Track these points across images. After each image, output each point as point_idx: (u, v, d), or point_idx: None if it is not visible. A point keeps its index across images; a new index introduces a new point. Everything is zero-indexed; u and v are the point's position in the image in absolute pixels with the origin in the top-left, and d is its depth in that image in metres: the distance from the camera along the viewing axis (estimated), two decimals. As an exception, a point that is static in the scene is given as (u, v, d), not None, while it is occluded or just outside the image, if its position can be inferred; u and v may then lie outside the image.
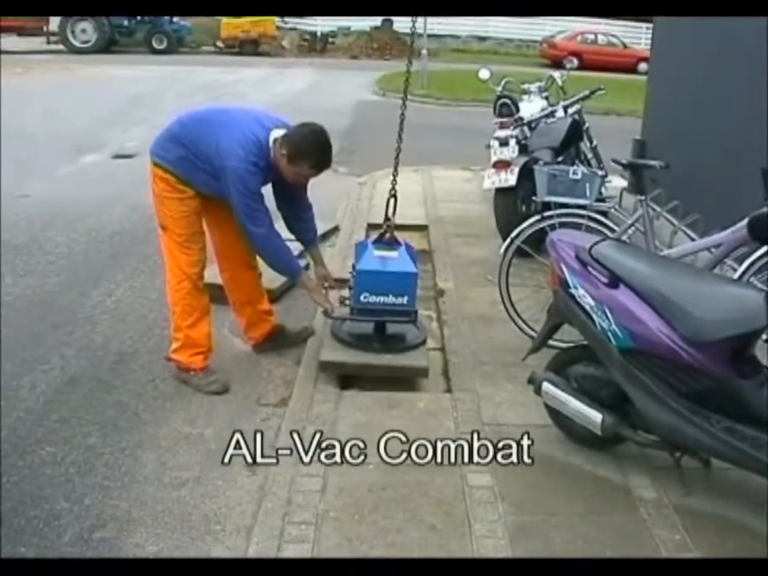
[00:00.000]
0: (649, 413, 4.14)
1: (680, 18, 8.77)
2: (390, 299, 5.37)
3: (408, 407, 5.08)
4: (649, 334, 4.02)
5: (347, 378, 5.51)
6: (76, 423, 5.09)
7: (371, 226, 8.91)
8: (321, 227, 8.30)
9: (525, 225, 6.04)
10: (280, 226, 5.53)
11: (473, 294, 6.99)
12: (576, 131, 8.69)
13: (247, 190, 5.04)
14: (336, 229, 8.92)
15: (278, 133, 5.11)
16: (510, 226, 7.22)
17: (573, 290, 4.34)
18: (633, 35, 41.93)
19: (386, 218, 5.68)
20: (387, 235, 5.64)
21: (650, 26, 34.30)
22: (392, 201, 5.70)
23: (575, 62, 36.37)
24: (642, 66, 36.78)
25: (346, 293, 5.70)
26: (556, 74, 10.59)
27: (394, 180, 5.81)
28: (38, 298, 7.03)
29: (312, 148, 5.06)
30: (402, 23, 41.07)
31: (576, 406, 4.42)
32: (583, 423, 4.42)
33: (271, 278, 6.11)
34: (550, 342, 4.89)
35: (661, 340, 3.98)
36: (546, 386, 4.55)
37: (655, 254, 5.46)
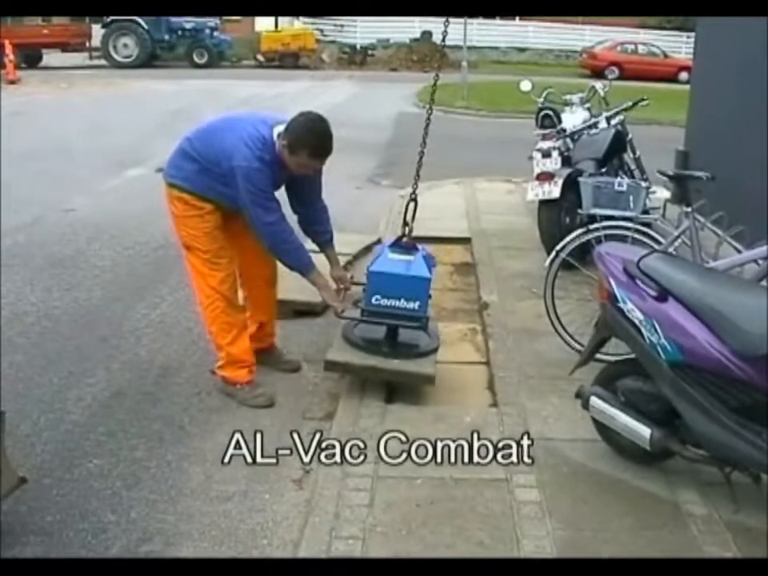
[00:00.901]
0: (698, 427, 4.09)
1: (723, 24, 8.71)
2: (402, 303, 5.32)
3: (454, 421, 5.05)
4: (698, 348, 3.97)
5: (392, 393, 5.50)
6: (122, 436, 5.12)
7: (415, 239, 8.88)
8: (364, 240, 8.35)
9: (570, 237, 6.00)
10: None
11: (517, 307, 6.95)
12: (619, 142, 8.65)
13: (256, 188, 5.07)
14: (379, 242, 8.90)
15: (281, 128, 5.12)
16: (554, 238, 7.18)
17: (621, 304, 4.30)
18: (673, 44, 41.68)
19: (404, 223, 5.64)
20: (405, 240, 5.58)
21: (691, 35, 34.26)
22: (411, 205, 5.65)
23: (616, 71, 36.25)
24: (683, 76, 36.54)
25: (358, 294, 5.65)
26: (598, 84, 10.52)
27: (415, 185, 5.80)
28: (83, 311, 7.09)
29: (309, 136, 5.04)
30: (440, 35, 41.19)
31: (624, 421, 4.38)
32: (632, 438, 4.38)
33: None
34: (598, 355, 4.85)
35: (711, 354, 3.93)
36: (593, 400, 4.51)
37: (704, 266, 5.39)
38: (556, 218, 7.75)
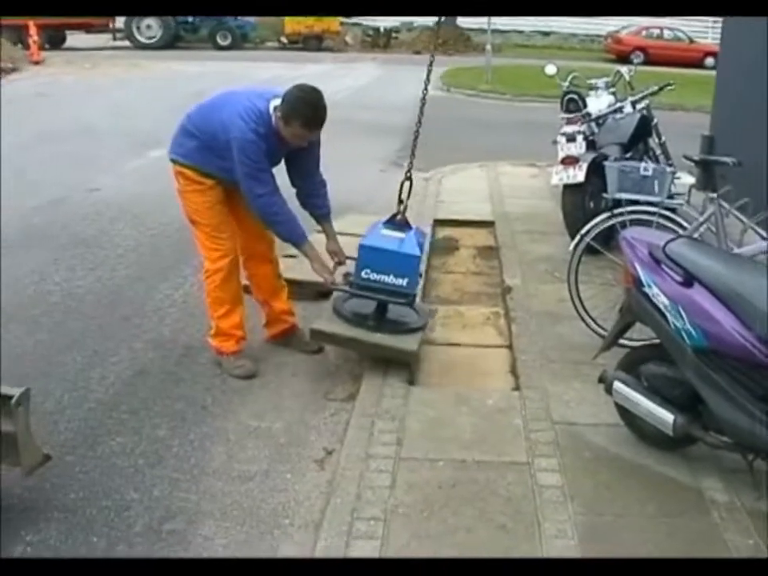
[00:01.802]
0: (722, 414, 4.07)
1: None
2: (391, 279, 5.37)
3: (477, 404, 5.05)
4: (724, 334, 3.95)
5: (414, 374, 5.50)
6: (145, 415, 5.15)
7: (438, 222, 8.88)
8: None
9: (595, 222, 5.97)
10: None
11: (540, 291, 6.93)
12: (644, 127, 8.60)
13: (249, 159, 5.13)
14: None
15: (277, 101, 5.17)
16: (578, 222, 7.17)
17: (646, 289, 4.28)
18: (699, 29, 41.35)
19: (399, 201, 5.64)
20: (399, 217, 5.60)
21: (717, 20, 33.93)
22: (406, 184, 5.67)
23: (641, 56, 35.99)
24: (709, 61, 36.28)
25: (351, 269, 5.64)
26: (623, 69, 10.46)
27: (410, 164, 5.81)
28: (107, 290, 7.12)
29: (302, 106, 5.07)
30: (464, 19, 41.01)
31: (647, 406, 4.36)
32: (654, 423, 4.36)
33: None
34: (621, 340, 4.83)
35: (736, 340, 3.90)
36: (617, 384, 4.50)
37: (730, 252, 5.36)
38: (580, 202, 7.72)
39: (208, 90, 6.49)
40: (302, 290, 6.34)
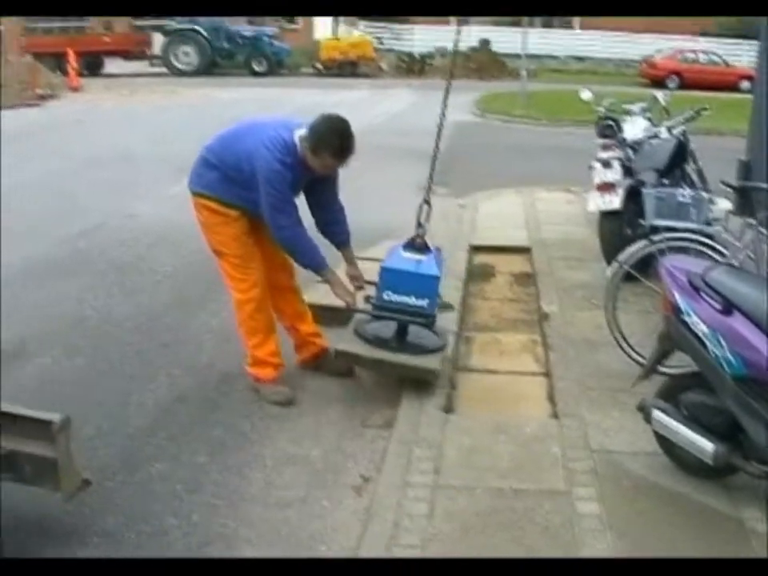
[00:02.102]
0: (762, 442, 4.04)
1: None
2: (412, 300, 5.47)
3: (514, 432, 5.04)
4: (763, 362, 3.92)
5: (451, 401, 5.51)
6: (184, 441, 5.17)
7: (474, 248, 8.88)
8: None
9: (633, 249, 5.94)
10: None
11: (578, 318, 6.91)
12: (681, 152, 8.55)
13: (275, 190, 5.18)
14: (437, 250, 8.90)
15: (302, 131, 5.23)
16: (615, 249, 7.12)
17: (685, 317, 4.26)
18: (734, 53, 41.18)
19: (418, 224, 5.74)
20: (418, 240, 5.68)
21: (752, 42, 33.54)
22: (425, 208, 5.80)
23: (676, 80, 35.94)
24: (745, 85, 36.05)
25: (372, 292, 5.72)
26: (659, 93, 10.43)
27: (429, 188, 6.00)
28: (145, 316, 7.17)
29: (332, 137, 5.15)
30: (499, 44, 41.13)
31: (687, 435, 4.33)
32: (694, 452, 4.33)
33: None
34: (660, 368, 4.80)
35: (776, 368, 3.88)
36: (656, 413, 4.47)
37: (769, 279, 5.32)
38: (617, 228, 7.68)
39: (244, 116, 6.57)
40: (335, 316, 6.36)
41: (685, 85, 34.22)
